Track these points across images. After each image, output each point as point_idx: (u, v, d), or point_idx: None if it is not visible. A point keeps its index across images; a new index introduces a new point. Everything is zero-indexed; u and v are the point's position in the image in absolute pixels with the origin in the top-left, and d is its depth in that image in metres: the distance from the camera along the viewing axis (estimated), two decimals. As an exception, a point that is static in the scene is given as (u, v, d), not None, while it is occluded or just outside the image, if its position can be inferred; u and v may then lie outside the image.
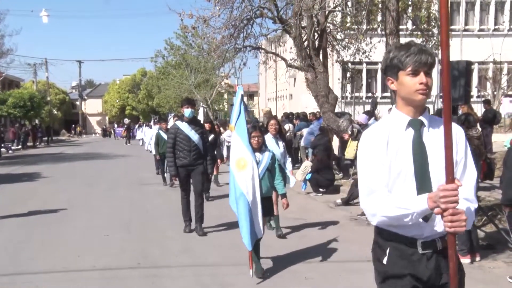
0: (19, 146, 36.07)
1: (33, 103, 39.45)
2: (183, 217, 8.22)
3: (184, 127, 7.90)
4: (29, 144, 37.96)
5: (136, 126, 41.25)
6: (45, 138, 43.93)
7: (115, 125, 55.30)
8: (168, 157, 8.06)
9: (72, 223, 9.08)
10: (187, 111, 7.90)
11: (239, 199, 5.51)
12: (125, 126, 44.80)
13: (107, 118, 73.20)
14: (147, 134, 27.09)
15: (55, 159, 25.23)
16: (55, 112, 65.24)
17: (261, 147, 6.02)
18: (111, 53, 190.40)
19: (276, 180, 6.15)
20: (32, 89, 49.28)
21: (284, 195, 6.16)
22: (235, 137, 5.75)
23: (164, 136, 12.95)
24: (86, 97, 74.42)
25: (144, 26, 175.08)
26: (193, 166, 7.93)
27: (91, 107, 75.54)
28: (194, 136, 7.86)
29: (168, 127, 15.24)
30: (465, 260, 6.32)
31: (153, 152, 15.78)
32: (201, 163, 7.99)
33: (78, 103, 70.67)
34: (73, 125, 67.16)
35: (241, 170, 5.55)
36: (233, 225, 8.60)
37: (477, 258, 6.45)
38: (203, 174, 8.06)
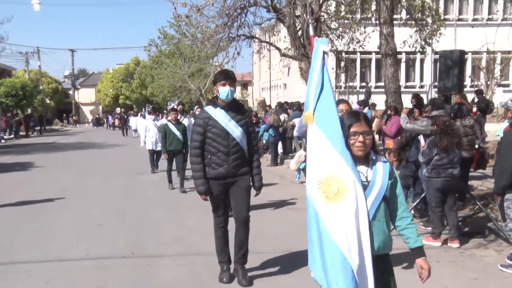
0: (12, 136, 35.88)
1: (26, 92, 39.14)
2: (217, 257, 5.47)
3: (220, 115, 5.09)
4: (21, 133, 37.81)
5: (130, 116, 39.72)
6: (38, 128, 43.73)
7: (109, 116, 54.95)
8: (193, 162, 5.17)
9: (65, 213, 9.06)
10: (224, 91, 5.04)
11: (332, 263, 2.77)
12: (117, 115, 43.68)
13: (100, 107, 72.93)
14: (140, 126, 26.53)
15: (48, 149, 25.12)
16: (48, 101, 64.91)
17: (368, 155, 3.04)
18: (104, 42, 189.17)
19: (403, 219, 3.16)
20: (24, 78, 48.91)
21: (421, 251, 3.24)
22: (316, 134, 2.94)
23: (174, 129, 11.15)
24: (79, 86, 74.01)
25: (138, 15, 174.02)
26: (233, 177, 5.17)
27: (84, 96, 75.20)
28: (235, 130, 5.08)
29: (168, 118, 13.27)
30: (435, 243, 6.49)
31: (148, 147, 14.52)
32: (246, 172, 5.23)
33: (71, 92, 70.28)
34: (64, 115, 66.89)
35: (333, 201, 2.81)
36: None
37: (455, 245, 6.55)
38: (248, 192, 5.26)
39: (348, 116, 3.08)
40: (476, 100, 15.52)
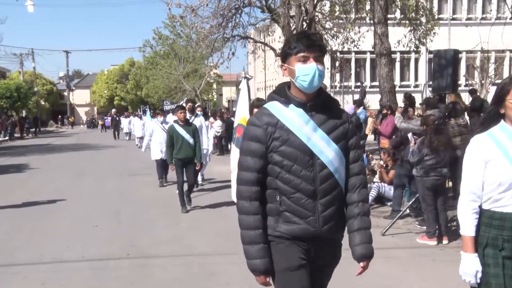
0: (6, 138, 35.75)
1: (20, 93, 39.11)
2: None
3: (296, 120, 2.63)
4: (16, 135, 37.66)
5: (122, 117, 37.58)
6: (33, 129, 43.60)
7: (104, 117, 54.77)
8: (243, 211, 2.67)
9: (60, 214, 9.04)
10: (305, 71, 2.58)
11: None
12: (109, 117, 41.29)
13: (95, 108, 72.80)
14: (137, 126, 25.58)
15: (43, 150, 25.04)
16: (43, 103, 64.72)
17: None
18: (99, 43, 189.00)
19: None
20: (19, 79, 48.77)
21: None
22: None
23: (182, 131, 8.88)
24: (73, 88, 73.90)
25: (132, 16, 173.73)
26: (324, 240, 2.68)
27: (79, 97, 75.05)
28: (326, 149, 2.62)
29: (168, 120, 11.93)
30: (431, 243, 6.53)
31: (154, 157, 12.29)
32: (341, 229, 2.76)
33: (65, 93, 70.15)
34: (59, 116, 66.66)
35: None
36: (222, 214, 8.65)
37: (444, 241, 6.61)
38: (335, 264, 2.87)
39: None
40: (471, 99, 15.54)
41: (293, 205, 2.60)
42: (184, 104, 11.65)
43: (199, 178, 11.42)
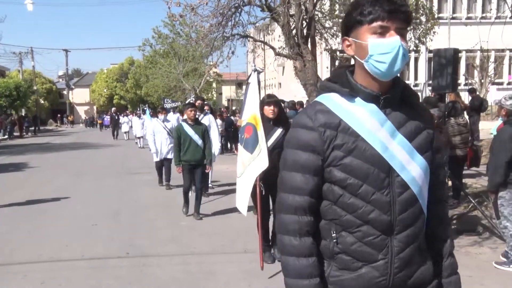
0: (5, 136, 35.74)
1: (19, 92, 39.06)
2: None
3: (366, 120, 1.79)
4: (15, 134, 37.64)
5: (122, 116, 36.79)
6: (32, 128, 43.59)
7: (103, 116, 54.79)
8: (288, 251, 1.84)
9: (59, 213, 9.03)
10: (382, 47, 1.71)
11: None
12: (108, 116, 40.66)
13: (95, 107, 72.83)
14: (136, 126, 25.49)
15: (42, 149, 25.04)
16: (42, 102, 64.72)
17: None
18: (98, 42, 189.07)
19: None
20: (18, 78, 48.72)
21: None
22: None
23: (191, 132, 8.23)
24: (73, 87, 73.88)
25: (132, 15, 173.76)
26: (397, 285, 1.82)
27: (79, 96, 75.02)
28: (409, 163, 1.79)
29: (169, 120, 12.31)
30: None
31: (156, 157, 11.76)
32: (429, 279, 1.92)
33: (65, 92, 70.15)
34: (59, 115, 66.66)
35: None
36: (222, 214, 8.64)
37: None
38: None
39: None
40: (470, 98, 15.56)
41: (357, 244, 1.79)
42: (192, 101, 10.60)
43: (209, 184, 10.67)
